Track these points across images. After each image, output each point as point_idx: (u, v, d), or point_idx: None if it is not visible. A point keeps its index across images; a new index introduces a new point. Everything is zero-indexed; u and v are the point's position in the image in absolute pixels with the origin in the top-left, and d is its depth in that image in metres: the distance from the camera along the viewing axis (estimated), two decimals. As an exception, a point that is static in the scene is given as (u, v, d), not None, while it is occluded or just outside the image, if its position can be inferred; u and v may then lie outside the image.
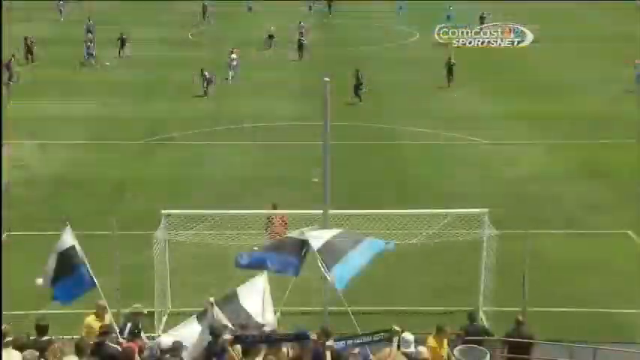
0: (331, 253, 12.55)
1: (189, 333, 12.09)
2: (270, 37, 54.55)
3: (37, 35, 52.56)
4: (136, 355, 11.48)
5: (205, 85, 40.83)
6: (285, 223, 19.78)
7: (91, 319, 13.79)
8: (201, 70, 41.27)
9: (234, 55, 45.08)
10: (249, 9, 73.16)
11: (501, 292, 17.48)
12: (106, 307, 13.86)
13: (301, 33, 54.94)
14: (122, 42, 50.81)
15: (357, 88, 39.63)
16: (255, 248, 14.36)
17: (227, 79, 44.20)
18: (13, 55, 41.61)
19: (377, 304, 18.16)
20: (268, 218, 19.16)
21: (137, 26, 63.48)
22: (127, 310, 14.53)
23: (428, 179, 28.26)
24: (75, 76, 45.88)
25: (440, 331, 13.44)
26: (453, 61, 43.72)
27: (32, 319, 12.77)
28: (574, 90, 42.94)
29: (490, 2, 72.31)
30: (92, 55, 48.33)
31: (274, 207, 20.22)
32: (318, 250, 12.50)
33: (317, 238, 12.88)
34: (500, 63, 50.75)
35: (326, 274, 12.14)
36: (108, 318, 13.86)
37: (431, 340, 13.32)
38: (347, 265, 12.49)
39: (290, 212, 19.76)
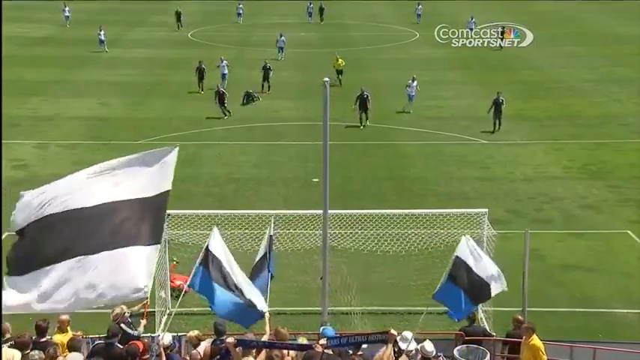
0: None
1: None
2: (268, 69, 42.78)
3: (40, 35, 52.29)
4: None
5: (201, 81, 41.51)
6: None
7: (57, 337, 13.15)
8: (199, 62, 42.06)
9: (283, 38, 51.51)
10: (239, 15, 69.83)
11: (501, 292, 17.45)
12: (67, 321, 13.33)
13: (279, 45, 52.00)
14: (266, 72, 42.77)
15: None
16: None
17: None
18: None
19: (377, 304, 18.16)
20: None
21: (137, 26, 63.49)
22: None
23: (428, 179, 28.26)
24: (75, 75, 45.86)
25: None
26: (502, 98, 34.66)
27: (32, 318, 12.72)
28: (574, 90, 42.96)
29: (491, 3, 72.42)
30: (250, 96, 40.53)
31: None
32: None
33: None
34: (499, 63, 50.71)
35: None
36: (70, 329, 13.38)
37: (536, 340, 13.13)
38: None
39: (290, 212, 19.77)
